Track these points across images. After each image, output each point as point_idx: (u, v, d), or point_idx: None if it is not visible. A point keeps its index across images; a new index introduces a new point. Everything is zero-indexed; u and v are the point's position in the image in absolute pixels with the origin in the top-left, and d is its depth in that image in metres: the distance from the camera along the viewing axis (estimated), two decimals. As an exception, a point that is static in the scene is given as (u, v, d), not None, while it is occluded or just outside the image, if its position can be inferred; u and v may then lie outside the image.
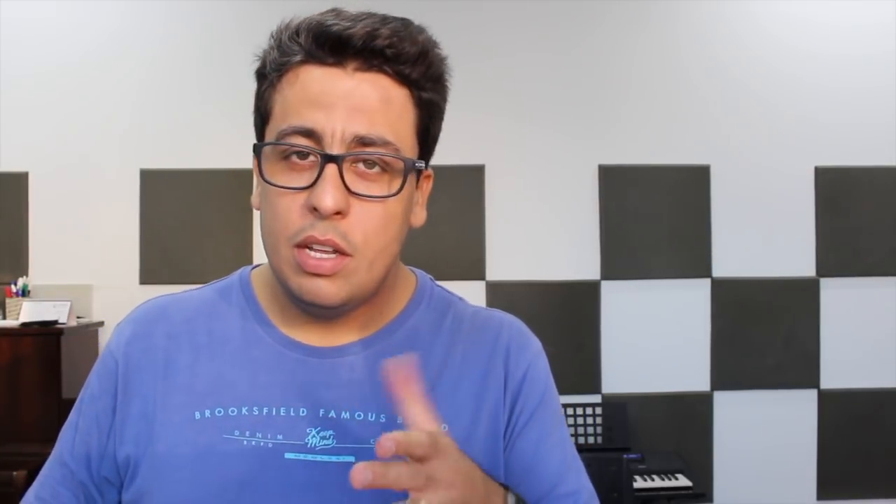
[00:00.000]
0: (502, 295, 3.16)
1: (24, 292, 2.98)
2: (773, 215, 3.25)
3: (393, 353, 0.80)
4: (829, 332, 3.24)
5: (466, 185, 3.18)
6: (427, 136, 0.77)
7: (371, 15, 0.73)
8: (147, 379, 0.79)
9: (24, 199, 3.09)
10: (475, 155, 3.18)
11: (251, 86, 0.78)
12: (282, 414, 0.76)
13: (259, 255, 3.06)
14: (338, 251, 0.72)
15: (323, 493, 0.74)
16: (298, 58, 0.72)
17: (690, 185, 3.24)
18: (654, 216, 3.22)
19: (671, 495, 2.87)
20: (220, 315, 0.83)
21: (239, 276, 0.87)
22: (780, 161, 3.25)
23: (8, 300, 2.95)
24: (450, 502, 0.58)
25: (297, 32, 0.73)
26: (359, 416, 0.77)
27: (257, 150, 0.73)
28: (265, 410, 0.77)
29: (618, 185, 3.22)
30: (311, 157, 0.71)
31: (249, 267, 0.88)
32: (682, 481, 2.89)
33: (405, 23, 0.74)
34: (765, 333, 3.23)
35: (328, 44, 0.71)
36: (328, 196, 0.69)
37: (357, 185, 0.71)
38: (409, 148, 0.74)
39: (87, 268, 3.09)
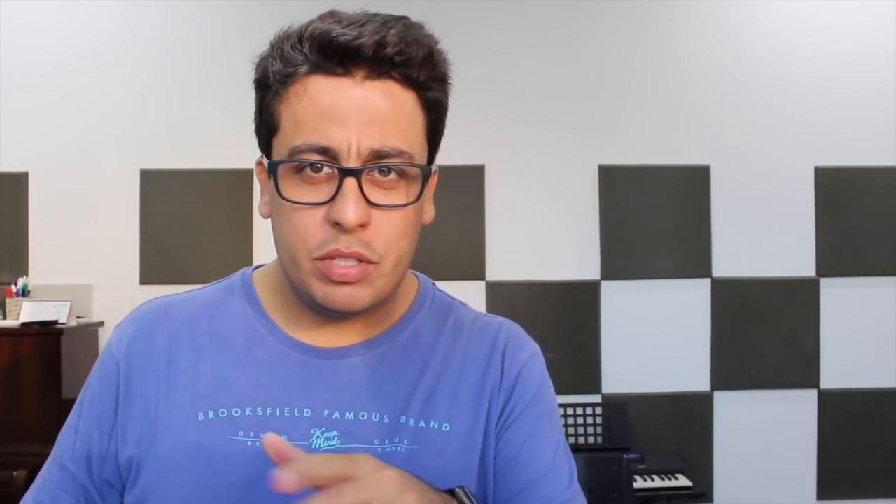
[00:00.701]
0: (502, 295, 3.16)
1: (24, 292, 2.98)
2: (773, 215, 3.25)
3: (396, 354, 0.81)
4: (829, 332, 3.24)
5: (466, 185, 3.18)
6: (435, 135, 0.78)
7: (371, 17, 0.72)
8: (149, 380, 0.79)
9: (24, 199, 3.09)
10: (475, 155, 3.18)
11: (251, 87, 0.78)
12: (286, 414, 0.76)
13: (259, 256, 3.06)
14: (362, 260, 0.72)
15: None
16: (304, 69, 0.71)
17: (690, 185, 3.24)
18: (654, 216, 3.22)
19: (671, 495, 2.87)
20: (223, 315, 0.83)
21: (241, 277, 0.87)
22: (780, 161, 3.25)
23: (8, 300, 2.95)
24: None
25: (300, 42, 0.72)
26: (363, 416, 0.77)
27: (273, 167, 0.73)
28: (269, 411, 0.77)
29: (618, 185, 3.22)
30: (327, 170, 0.71)
31: (251, 267, 0.88)
32: (682, 481, 2.90)
33: (406, 24, 0.73)
34: (765, 333, 3.23)
35: (336, 54, 0.70)
36: (350, 211, 0.69)
37: (376, 196, 0.72)
38: (419, 152, 0.75)
39: (87, 268, 3.09)
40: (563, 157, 3.23)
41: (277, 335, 0.81)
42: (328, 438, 0.76)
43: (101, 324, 3.06)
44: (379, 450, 0.76)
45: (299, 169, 0.72)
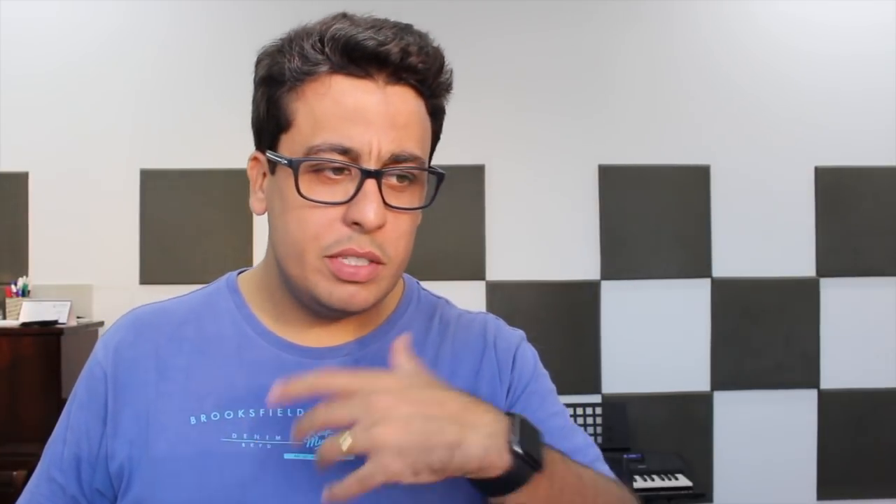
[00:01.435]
0: (502, 295, 3.16)
1: (24, 292, 2.98)
2: (773, 215, 3.25)
3: (386, 353, 0.81)
4: (829, 332, 3.24)
5: (466, 185, 3.18)
6: (436, 140, 0.81)
7: (384, 23, 0.73)
8: (138, 387, 0.79)
9: (24, 199, 3.09)
10: (475, 155, 3.18)
11: (251, 85, 0.78)
12: (279, 415, 0.77)
13: (259, 256, 3.06)
14: (373, 261, 0.73)
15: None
16: (325, 68, 0.72)
17: (690, 185, 3.24)
18: (654, 216, 3.22)
19: (671, 495, 2.87)
20: (211, 320, 0.83)
21: (226, 281, 0.87)
22: (780, 161, 3.25)
23: (8, 300, 2.95)
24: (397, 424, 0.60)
25: (321, 41, 0.72)
26: None
27: (295, 165, 0.72)
28: (262, 412, 0.77)
29: (618, 185, 3.22)
30: (346, 171, 0.72)
31: (234, 273, 0.89)
32: (682, 481, 2.90)
33: (420, 33, 0.75)
34: (765, 333, 3.23)
35: (362, 57, 0.71)
36: (371, 212, 0.71)
37: (392, 199, 0.73)
38: (427, 157, 0.77)
39: (87, 268, 3.09)
40: (563, 157, 3.23)
41: (267, 336, 0.81)
42: (322, 437, 0.76)
43: (101, 324, 3.06)
44: None
45: (318, 169, 0.72)
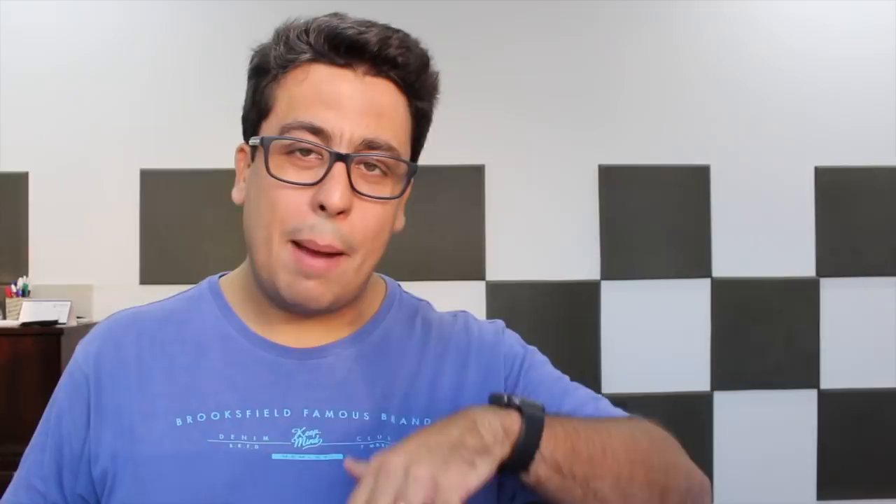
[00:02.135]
0: (502, 295, 3.16)
1: (24, 292, 2.98)
2: (773, 215, 3.25)
3: (370, 354, 0.82)
4: (829, 332, 3.24)
5: (466, 185, 3.18)
6: (417, 144, 0.80)
7: (374, 23, 0.75)
8: (120, 391, 0.79)
9: (24, 199, 3.09)
10: (475, 155, 3.18)
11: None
12: (265, 416, 0.77)
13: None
14: (333, 253, 0.73)
15: (313, 493, 0.75)
16: (307, 56, 0.73)
17: (690, 185, 3.24)
18: (654, 216, 3.22)
19: (671, 495, 2.86)
20: (193, 322, 0.83)
21: (207, 284, 0.88)
22: (780, 161, 3.25)
23: (8, 300, 2.95)
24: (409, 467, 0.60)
25: (306, 32, 0.73)
26: (343, 414, 0.78)
27: (266, 143, 0.73)
28: (248, 413, 0.77)
29: (618, 185, 3.22)
30: (315, 155, 0.72)
31: (216, 276, 0.90)
32: (682, 481, 2.89)
33: (407, 34, 0.76)
34: (765, 333, 3.22)
35: (342, 46, 0.72)
36: (336, 194, 0.70)
37: (361, 186, 0.73)
38: (405, 154, 0.77)
39: (87, 268, 3.09)
40: (563, 157, 3.23)
41: (250, 338, 0.81)
42: (310, 437, 0.76)
43: (101, 324, 3.06)
44: (362, 447, 0.76)
45: (289, 151, 0.73)
